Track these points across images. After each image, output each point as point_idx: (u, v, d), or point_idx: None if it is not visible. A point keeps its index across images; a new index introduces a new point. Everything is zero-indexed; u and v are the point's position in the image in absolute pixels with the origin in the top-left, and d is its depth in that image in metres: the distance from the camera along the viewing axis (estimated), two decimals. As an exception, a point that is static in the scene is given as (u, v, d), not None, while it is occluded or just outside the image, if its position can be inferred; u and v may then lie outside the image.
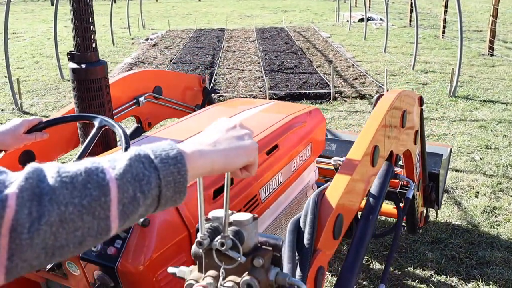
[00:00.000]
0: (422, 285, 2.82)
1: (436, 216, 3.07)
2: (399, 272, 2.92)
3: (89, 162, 0.67)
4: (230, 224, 0.90)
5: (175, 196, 0.73)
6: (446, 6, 11.51)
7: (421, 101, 2.30)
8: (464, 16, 15.41)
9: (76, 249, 0.63)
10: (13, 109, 6.66)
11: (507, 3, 16.39)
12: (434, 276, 2.90)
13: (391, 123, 1.76)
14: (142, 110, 2.62)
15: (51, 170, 0.63)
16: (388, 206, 2.84)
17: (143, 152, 0.71)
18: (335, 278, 2.84)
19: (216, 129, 0.86)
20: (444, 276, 2.89)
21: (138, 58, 10.04)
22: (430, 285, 2.82)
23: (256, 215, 0.92)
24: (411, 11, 9.85)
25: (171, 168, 0.71)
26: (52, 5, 19.48)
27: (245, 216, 0.90)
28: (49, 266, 1.41)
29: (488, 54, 9.67)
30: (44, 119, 1.60)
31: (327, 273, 2.89)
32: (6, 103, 7.05)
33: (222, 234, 0.88)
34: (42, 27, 15.93)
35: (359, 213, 1.65)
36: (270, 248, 0.92)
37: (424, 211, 2.82)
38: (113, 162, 0.68)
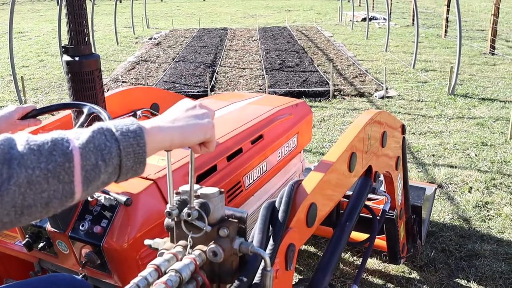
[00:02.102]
0: (411, 276, 2.88)
1: (419, 251, 3.12)
2: (388, 264, 2.99)
3: (56, 133, 0.74)
4: (198, 197, 0.98)
5: (135, 166, 0.80)
6: (448, 5, 11.54)
7: (403, 129, 2.36)
8: (468, 16, 15.44)
9: (43, 209, 0.70)
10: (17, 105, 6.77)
11: (511, 2, 16.39)
12: (423, 268, 2.96)
13: (370, 137, 1.85)
14: None
15: (21, 139, 0.71)
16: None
17: (106, 126, 0.79)
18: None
19: (177, 109, 0.93)
20: (433, 268, 2.96)
21: (141, 57, 10.15)
22: (419, 276, 2.88)
23: (223, 190, 1.00)
24: (414, 10, 9.89)
25: (131, 140, 0.79)
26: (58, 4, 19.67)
27: (211, 190, 0.98)
28: (40, 245, 1.50)
29: (490, 53, 9.69)
30: (37, 107, 1.68)
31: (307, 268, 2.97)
32: (11, 100, 7.17)
33: (188, 206, 0.96)
34: (48, 26, 16.08)
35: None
36: (236, 220, 1.00)
37: (407, 243, 2.87)
38: (78, 134, 0.76)
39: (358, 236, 2.82)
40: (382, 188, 2.41)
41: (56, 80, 8.41)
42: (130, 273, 1.41)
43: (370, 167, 1.87)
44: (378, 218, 2.05)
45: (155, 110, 2.75)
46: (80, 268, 1.45)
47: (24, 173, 0.67)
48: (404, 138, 2.39)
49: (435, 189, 3.27)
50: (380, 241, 2.77)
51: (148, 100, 2.71)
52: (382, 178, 2.33)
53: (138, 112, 2.61)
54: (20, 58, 10.46)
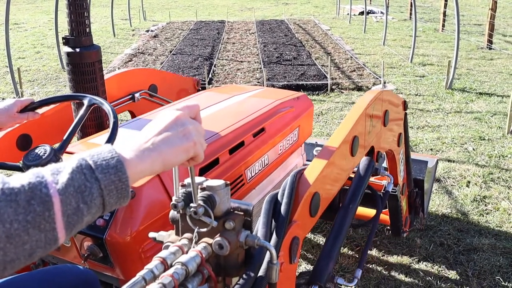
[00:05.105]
0: (410, 270, 2.89)
1: (421, 224, 3.13)
2: (388, 257, 3.00)
3: (33, 175, 0.69)
4: (204, 189, 0.97)
5: (119, 201, 0.77)
6: (446, 0, 11.52)
7: (404, 105, 2.35)
8: (465, 10, 15.42)
9: (27, 260, 0.67)
10: (14, 97, 6.72)
11: (509, -3, 16.37)
12: (421, 262, 2.96)
13: (372, 118, 1.83)
14: (137, 106, 2.69)
15: None
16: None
17: (84, 162, 0.74)
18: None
19: (155, 128, 0.87)
20: (432, 262, 2.96)
21: (138, 49, 10.10)
22: (418, 270, 2.89)
23: (228, 182, 0.99)
24: (412, 4, 9.89)
25: (112, 177, 0.75)
26: (54, -4, 19.42)
27: (217, 182, 0.97)
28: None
29: (487, 47, 9.70)
30: (36, 100, 1.67)
31: (305, 262, 2.98)
32: (7, 92, 7.13)
33: (193, 204, 0.95)
34: (44, 17, 15.97)
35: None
36: (241, 213, 1.00)
37: (409, 216, 2.88)
38: (56, 175, 0.71)
39: (361, 210, 2.81)
40: (384, 164, 2.40)
41: (53, 72, 8.36)
42: (133, 266, 1.40)
43: (372, 147, 1.86)
44: (382, 193, 2.04)
45: (153, 91, 2.75)
46: (82, 261, 1.45)
47: (2, 228, 0.63)
48: (406, 114, 2.37)
49: (437, 161, 3.25)
50: (383, 215, 2.76)
51: (146, 81, 2.70)
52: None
53: (136, 95, 2.62)
54: (16, 49, 10.39)
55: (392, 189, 2.25)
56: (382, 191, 2.13)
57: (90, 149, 0.78)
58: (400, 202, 2.43)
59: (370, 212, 2.83)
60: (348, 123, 1.64)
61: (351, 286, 1.73)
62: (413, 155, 2.97)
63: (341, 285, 1.61)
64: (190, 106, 0.91)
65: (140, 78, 2.67)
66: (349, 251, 3.08)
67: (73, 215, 0.70)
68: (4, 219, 0.63)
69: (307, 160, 2.54)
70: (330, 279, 1.51)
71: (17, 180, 0.68)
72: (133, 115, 2.74)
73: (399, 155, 2.29)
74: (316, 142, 3.06)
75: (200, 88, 3.21)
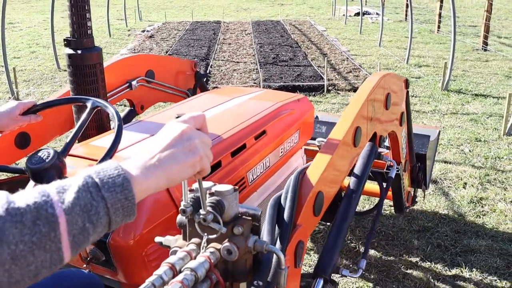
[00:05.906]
0: (407, 271, 2.90)
1: (424, 197, 3.14)
2: (385, 259, 3.01)
3: (39, 194, 0.68)
4: (212, 194, 0.97)
5: (125, 219, 0.76)
6: (441, 1, 11.57)
7: (406, 83, 2.34)
8: (460, 11, 15.49)
9: (32, 281, 0.66)
10: (9, 98, 6.70)
11: (503, -2, 16.46)
12: (419, 263, 2.98)
13: (374, 104, 1.81)
14: (135, 94, 2.68)
15: (0, 207, 0.64)
16: (376, 186, 2.89)
17: (90, 180, 0.73)
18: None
19: (161, 142, 0.85)
20: (429, 263, 2.98)
21: (134, 50, 10.08)
22: (415, 271, 2.90)
23: (237, 187, 0.99)
24: (407, 5, 9.94)
25: (118, 195, 0.74)
26: (49, -5, 19.24)
27: (226, 187, 0.97)
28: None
29: (482, 49, 9.75)
30: (38, 102, 1.66)
31: (311, 251, 2.98)
32: (2, 92, 7.09)
33: (202, 210, 0.95)
34: (39, 17, 15.90)
35: (343, 193, 1.71)
36: (250, 218, 1.00)
37: (412, 191, 2.88)
38: (62, 194, 0.70)
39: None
40: (386, 143, 2.40)
41: (48, 72, 8.33)
42: (136, 270, 1.40)
43: (374, 133, 1.84)
44: (385, 172, 2.03)
45: (150, 77, 2.74)
46: (85, 265, 1.44)
47: (7, 250, 0.62)
48: (407, 92, 2.36)
49: (439, 132, 3.23)
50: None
51: (142, 68, 2.69)
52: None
53: (133, 82, 2.62)
54: (12, 49, 10.34)
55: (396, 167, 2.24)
56: (384, 169, 2.12)
57: (95, 166, 0.77)
58: (402, 180, 2.42)
59: (372, 187, 2.84)
60: (350, 115, 1.63)
61: (356, 277, 1.72)
62: (414, 128, 2.91)
63: (346, 276, 1.61)
64: (196, 117, 0.90)
65: (136, 65, 2.66)
66: (349, 251, 3.08)
67: (79, 235, 0.69)
68: (9, 240, 0.62)
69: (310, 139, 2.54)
70: (334, 271, 1.50)
71: (23, 199, 0.67)
72: (131, 103, 2.72)
73: (401, 134, 2.28)
74: (316, 117, 3.04)
75: (198, 70, 3.20)
